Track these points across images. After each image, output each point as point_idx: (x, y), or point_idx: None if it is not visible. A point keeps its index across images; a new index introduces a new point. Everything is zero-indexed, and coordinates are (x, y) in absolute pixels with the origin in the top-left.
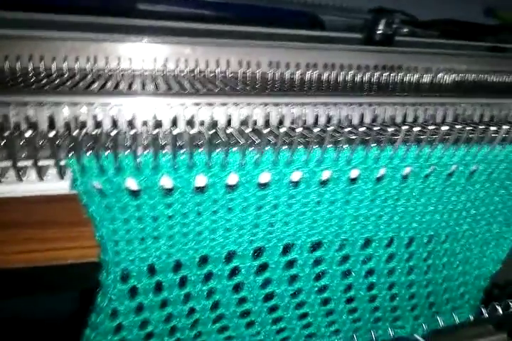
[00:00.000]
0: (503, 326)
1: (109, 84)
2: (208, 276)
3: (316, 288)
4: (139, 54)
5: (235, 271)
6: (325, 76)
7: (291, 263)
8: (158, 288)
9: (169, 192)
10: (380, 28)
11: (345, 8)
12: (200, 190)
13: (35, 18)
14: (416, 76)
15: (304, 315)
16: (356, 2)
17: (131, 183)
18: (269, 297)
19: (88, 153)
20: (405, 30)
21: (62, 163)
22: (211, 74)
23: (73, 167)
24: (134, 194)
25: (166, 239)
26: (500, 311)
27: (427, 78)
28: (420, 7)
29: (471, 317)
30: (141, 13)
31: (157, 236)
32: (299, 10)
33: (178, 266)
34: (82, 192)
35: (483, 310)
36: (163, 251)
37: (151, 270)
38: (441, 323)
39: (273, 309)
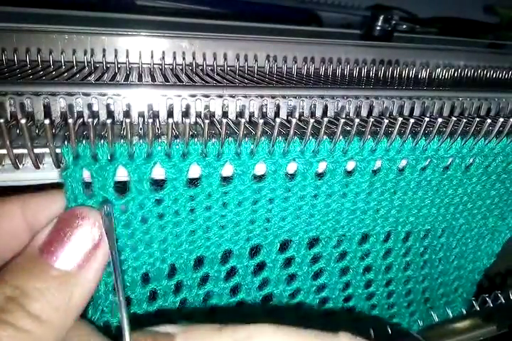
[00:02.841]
0: (492, 318)
1: (105, 77)
2: (204, 279)
3: (315, 287)
4: (136, 47)
5: (231, 272)
6: (322, 70)
7: (288, 262)
8: (153, 296)
9: (162, 188)
10: (379, 24)
11: (345, 6)
12: (194, 184)
13: (33, 12)
14: (414, 71)
15: (303, 317)
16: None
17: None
18: (267, 298)
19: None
20: (404, 26)
21: (58, 150)
22: (208, 68)
23: (67, 155)
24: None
25: (159, 242)
26: (490, 303)
27: (424, 73)
28: (420, 4)
29: (464, 311)
30: (139, 9)
31: (148, 241)
32: (298, 7)
33: (172, 271)
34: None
35: (474, 303)
36: (157, 257)
37: (145, 278)
38: (435, 318)
39: (271, 311)
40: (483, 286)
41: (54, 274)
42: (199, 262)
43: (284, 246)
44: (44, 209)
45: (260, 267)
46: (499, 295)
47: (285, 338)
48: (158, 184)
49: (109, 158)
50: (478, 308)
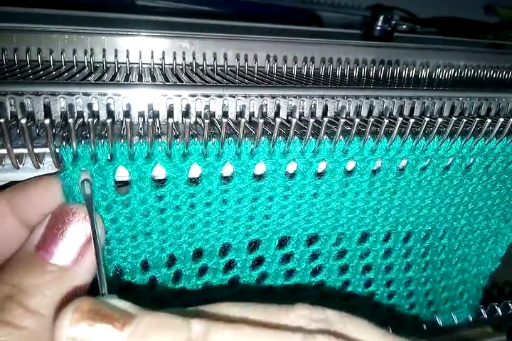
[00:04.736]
0: (501, 327)
1: (105, 77)
2: (203, 270)
3: (313, 284)
4: (136, 47)
5: (230, 265)
6: (322, 70)
7: (287, 257)
8: (153, 282)
9: (162, 185)
10: (379, 24)
11: (345, 6)
12: (195, 182)
13: (33, 12)
14: (414, 71)
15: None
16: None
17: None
18: (265, 292)
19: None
20: (404, 26)
21: (58, 150)
22: (209, 68)
23: (66, 156)
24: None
25: (159, 233)
26: (500, 312)
27: (424, 73)
28: (420, 4)
29: (470, 318)
30: (139, 9)
31: (149, 232)
32: (299, 7)
33: (172, 260)
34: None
35: (483, 311)
36: (156, 246)
37: (145, 265)
38: (440, 323)
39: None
40: (492, 295)
41: (50, 270)
42: (198, 254)
43: (283, 242)
44: (32, 200)
45: (259, 261)
46: (509, 304)
47: (241, 310)
48: (159, 179)
49: (109, 157)
50: (486, 316)
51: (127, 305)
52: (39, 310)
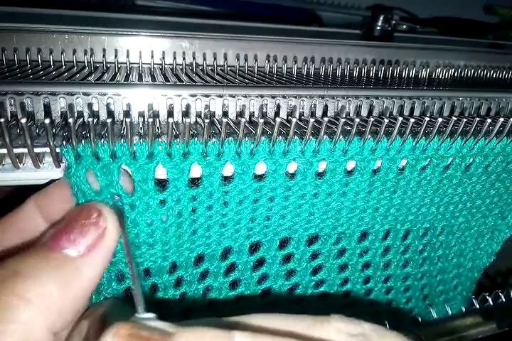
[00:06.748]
0: (492, 316)
1: (105, 77)
2: (204, 274)
3: (313, 283)
4: (137, 47)
5: (231, 268)
6: (322, 70)
7: (288, 258)
8: (154, 288)
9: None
10: (379, 24)
11: (345, 6)
12: (195, 184)
13: (33, 12)
14: (414, 71)
15: (302, 312)
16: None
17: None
18: (266, 293)
19: (83, 141)
20: (404, 26)
21: (58, 150)
22: (209, 68)
23: (68, 155)
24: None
25: (162, 244)
26: (491, 302)
27: (424, 73)
28: (420, 4)
29: (463, 309)
30: (139, 9)
31: (152, 242)
32: (299, 7)
33: (173, 267)
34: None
35: (475, 301)
36: (159, 255)
37: (146, 272)
38: (434, 315)
39: (270, 305)
40: (484, 285)
41: (53, 256)
42: (199, 258)
43: (284, 242)
44: (58, 202)
45: (260, 263)
46: (500, 294)
47: (275, 322)
48: (160, 184)
49: (110, 157)
50: (478, 306)
51: (164, 325)
52: (31, 298)
